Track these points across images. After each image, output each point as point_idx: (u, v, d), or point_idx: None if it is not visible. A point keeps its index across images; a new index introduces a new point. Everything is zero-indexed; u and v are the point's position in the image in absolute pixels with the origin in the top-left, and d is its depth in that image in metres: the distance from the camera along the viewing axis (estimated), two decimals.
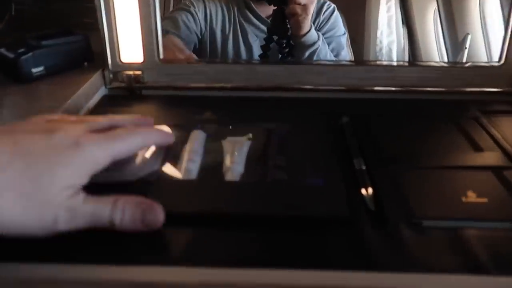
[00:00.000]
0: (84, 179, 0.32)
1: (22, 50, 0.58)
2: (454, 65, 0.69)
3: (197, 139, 0.45)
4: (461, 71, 0.61)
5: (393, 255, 0.33)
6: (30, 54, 0.58)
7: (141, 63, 0.58)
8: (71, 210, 0.30)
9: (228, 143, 0.45)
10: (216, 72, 0.58)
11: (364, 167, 0.43)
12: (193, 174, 0.40)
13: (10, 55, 0.57)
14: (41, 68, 0.59)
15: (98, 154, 0.32)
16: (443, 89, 0.60)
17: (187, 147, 0.44)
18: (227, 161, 0.42)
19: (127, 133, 0.35)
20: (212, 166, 0.42)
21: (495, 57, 0.61)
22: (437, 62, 0.77)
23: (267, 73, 0.59)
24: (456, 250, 0.33)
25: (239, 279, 0.30)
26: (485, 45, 0.77)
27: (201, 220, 0.36)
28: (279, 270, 0.31)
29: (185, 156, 0.42)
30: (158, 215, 0.32)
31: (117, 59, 0.58)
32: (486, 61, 0.74)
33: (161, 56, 0.58)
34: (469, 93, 0.60)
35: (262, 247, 0.33)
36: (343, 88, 0.60)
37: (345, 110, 0.54)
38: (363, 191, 0.40)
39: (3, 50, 0.59)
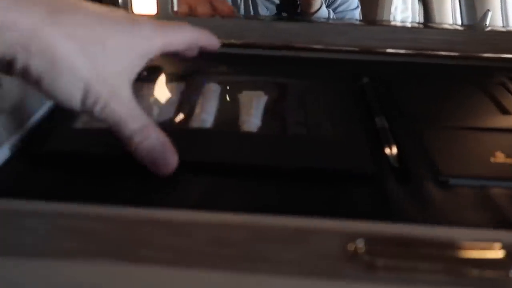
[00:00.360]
0: (137, 61, 0.30)
1: None
2: (480, 29, 0.65)
3: (212, 91, 0.43)
4: (488, 35, 0.58)
5: (418, 210, 0.32)
6: None
7: (154, 15, 0.56)
8: (111, 95, 0.29)
9: (244, 96, 0.43)
10: (233, 27, 0.56)
11: (386, 125, 0.41)
12: (208, 125, 0.39)
13: None
14: None
15: (153, 36, 0.30)
16: (468, 54, 0.57)
17: (202, 99, 0.42)
18: (243, 114, 0.40)
19: (178, 25, 0.33)
20: (228, 118, 0.40)
21: None
22: (463, 25, 0.73)
23: (284, 31, 0.56)
24: (483, 207, 0.32)
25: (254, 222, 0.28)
26: (503, 22, 0.74)
27: (217, 171, 0.34)
28: (298, 217, 0.29)
29: (200, 106, 0.41)
30: (173, 162, 0.31)
31: (129, 10, 0.55)
32: None
33: (175, 9, 0.56)
34: (496, 59, 0.57)
35: (281, 198, 0.32)
36: (362, 49, 0.57)
37: (364, 72, 0.52)
38: (387, 149, 0.38)
39: None
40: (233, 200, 0.31)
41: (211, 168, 0.34)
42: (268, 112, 0.41)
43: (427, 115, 0.44)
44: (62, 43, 0.26)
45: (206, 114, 0.40)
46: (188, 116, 0.40)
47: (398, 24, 0.67)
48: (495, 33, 0.59)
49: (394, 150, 0.38)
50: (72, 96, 0.28)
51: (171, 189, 0.32)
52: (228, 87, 0.45)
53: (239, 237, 0.26)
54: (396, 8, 0.79)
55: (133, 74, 0.30)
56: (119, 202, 0.29)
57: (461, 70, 0.56)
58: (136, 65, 0.30)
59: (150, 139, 0.30)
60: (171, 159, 0.31)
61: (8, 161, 0.35)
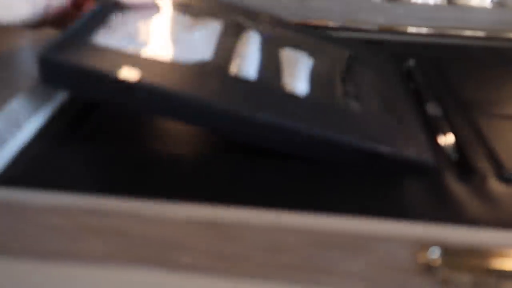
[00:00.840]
0: None
1: None
2: None
3: (252, 38, 0.38)
4: None
5: (483, 211, 0.28)
6: None
7: None
8: None
9: (287, 54, 0.38)
10: (263, 4, 0.51)
11: (440, 113, 0.37)
12: (250, 74, 0.33)
13: None
14: None
15: None
16: None
17: (241, 45, 0.36)
18: (286, 73, 0.35)
19: None
20: (270, 72, 0.34)
21: None
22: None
23: (321, 8, 0.52)
24: None
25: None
26: None
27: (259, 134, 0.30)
28: (352, 218, 0.26)
29: (239, 54, 0.35)
30: None
31: None
32: None
33: None
34: None
35: (336, 193, 0.29)
36: (401, 29, 0.53)
37: (406, 54, 0.47)
38: (442, 139, 0.34)
39: None
40: (283, 195, 0.28)
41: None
42: (314, 77, 0.35)
43: (483, 102, 0.40)
44: None
45: (247, 61, 0.34)
46: (228, 59, 0.34)
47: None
48: None
49: (451, 140, 0.34)
50: None
51: (213, 181, 0.28)
52: (269, 38, 0.39)
53: (295, 243, 0.22)
54: None
55: None
56: (154, 197, 0.25)
57: None
58: None
59: None
60: None
61: (29, 144, 0.32)
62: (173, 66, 0.31)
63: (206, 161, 0.31)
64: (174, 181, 0.29)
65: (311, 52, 0.38)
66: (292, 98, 0.32)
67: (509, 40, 0.53)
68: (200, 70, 0.31)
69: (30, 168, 0.30)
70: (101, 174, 0.29)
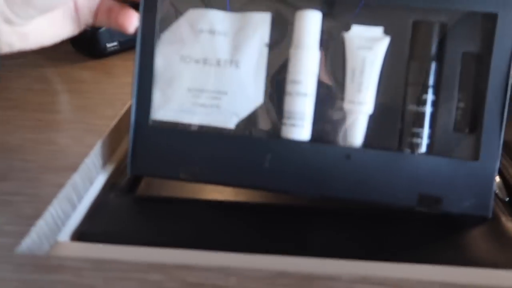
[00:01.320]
0: None
1: None
2: None
3: (309, 23, 0.32)
4: None
5: None
6: (105, 28, 0.55)
7: None
8: None
9: (353, 40, 0.32)
10: None
11: None
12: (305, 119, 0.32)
13: (88, 29, 0.54)
14: (115, 43, 0.56)
15: None
16: None
17: (294, 59, 0.32)
18: (349, 84, 0.32)
19: None
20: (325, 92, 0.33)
21: None
22: None
23: None
24: None
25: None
26: None
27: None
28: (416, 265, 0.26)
29: (292, 75, 0.32)
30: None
31: None
32: None
33: None
34: None
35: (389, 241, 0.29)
36: None
37: None
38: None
39: None
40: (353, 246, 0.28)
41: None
42: (386, 76, 0.32)
43: None
44: None
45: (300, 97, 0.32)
46: (279, 101, 0.33)
47: None
48: None
49: (499, 180, 0.34)
50: None
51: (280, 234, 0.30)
52: (332, 18, 0.32)
53: None
54: None
55: None
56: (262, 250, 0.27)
57: None
58: None
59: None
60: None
61: (101, 199, 0.34)
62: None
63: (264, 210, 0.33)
64: (255, 231, 0.30)
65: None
66: (348, 165, 0.32)
67: None
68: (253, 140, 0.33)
69: (109, 224, 0.31)
70: (178, 227, 0.30)
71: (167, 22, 0.33)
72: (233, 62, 0.32)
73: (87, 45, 0.56)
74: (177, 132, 0.33)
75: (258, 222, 0.32)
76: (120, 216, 0.33)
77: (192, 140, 0.33)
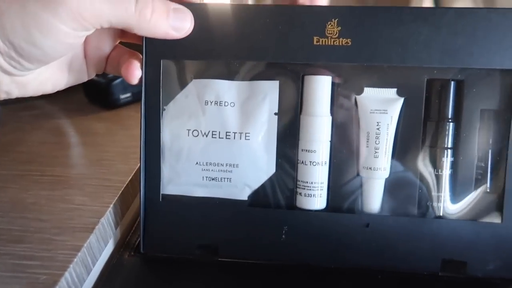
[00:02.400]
0: None
1: (111, 75, 0.56)
2: None
3: (320, 89, 0.31)
4: None
5: None
6: (119, 79, 0.56)
7: None
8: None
9: (366, 103, 0.31)
10: None
11: None
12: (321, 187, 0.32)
13: (102, 80, 0.55)
14: (128, 94, 0.57)
15: None
16: None
17: (305, 124, 0.31)
18: (363, 149, 0.31)
19: None
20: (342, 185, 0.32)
21: None
22: None
23: None
24: None
25: None
26: None
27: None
28: None
29: (304, 140, 0.32)
30: (189, 14, 0.30)
31: None
32: None
33: None
34: None
35: None
36: None
37: None
38: None
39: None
40: None
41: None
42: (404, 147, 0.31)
43: None
44: None
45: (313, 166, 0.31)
46: (291, 171, 0.32)
47: None
48: None
49: None
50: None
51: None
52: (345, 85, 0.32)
53: None
54: None
55: None
56: None
57: None
58: None
59: (154, 15, 0.28)
60: (186, 13, 0.29)
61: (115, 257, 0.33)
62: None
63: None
64: None
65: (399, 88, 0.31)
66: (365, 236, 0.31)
67: None
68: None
69: (122, 286, 0.30)
70: None
71: (171, 93, 0.32)
72: (243, 133, 0.32)
73: (100, 96, 0.57)
74: (189, 207, 0.33)
75: (275, 283, 0.31)
76: (133, 277, 0.32)
77: (206, 215, 0.32)
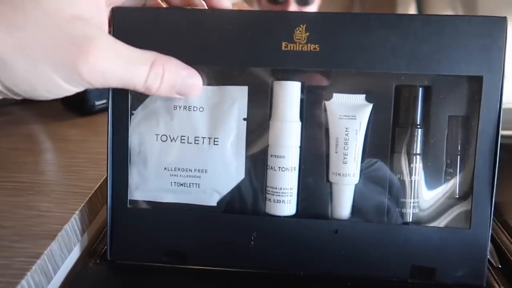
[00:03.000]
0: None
1: None
2: None
3: (289, 94, 0.31)
4: None
5: None
6: None
7: None
8: (93, 67, 0.25)
9: (335, 109, 0.31)
10: None
11: None
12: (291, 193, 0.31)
13: None
14: (104, 101, 0.57)
15: None
16: None
17: (274, 127, 0.31)
18: (333, 155, 0.31)
19: None
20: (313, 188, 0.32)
21: None
22: None
23: None
24: None
25: None
26: None
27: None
28: None
29: (274, 142, 0.31)
30: (198, 82, 0.30)
31: None
32: None
33: None
34: None
35: None
36: None
37: None
38: None
39: None
40: None
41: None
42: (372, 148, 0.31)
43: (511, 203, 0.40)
44: None
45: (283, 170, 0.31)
46: (261, 177, 0.32)
47: None
48: None
49: (491, 247, 0.34)
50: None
51: None
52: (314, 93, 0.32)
53: None
54: None
55: (98, 13, 0.26)
56: None
57: None
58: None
59: (167, 74, 0.27)
60: (196, 82, 0.30)
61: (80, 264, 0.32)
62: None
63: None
64: None
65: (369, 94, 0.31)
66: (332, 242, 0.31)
67: None
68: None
69: None
70: None
71: (140, 98, 0.32)
72: (212, 138, 0.31)
73: (76, 102, 0.56)
74: (157, 213, 0.32)
75: None
76: (99, 285, 0.31)
77: (174, 221, 0.32)
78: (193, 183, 0.32)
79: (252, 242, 0.31)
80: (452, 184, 0.32)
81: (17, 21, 0.24)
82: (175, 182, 0.32)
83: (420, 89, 0.31)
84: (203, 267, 0.32)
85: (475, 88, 0.30)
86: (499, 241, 0.36)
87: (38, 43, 0.24)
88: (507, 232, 0.37)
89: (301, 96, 0.32)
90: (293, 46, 0.30)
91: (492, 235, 0.36)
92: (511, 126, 0.54)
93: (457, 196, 0.32)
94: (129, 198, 0.32)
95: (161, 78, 0.27)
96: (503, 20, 0.29)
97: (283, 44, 0.30)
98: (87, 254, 0.34)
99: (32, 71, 0.24)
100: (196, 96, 0.31)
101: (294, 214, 0.32)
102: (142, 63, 0.27)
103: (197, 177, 0.32)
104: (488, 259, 0.33)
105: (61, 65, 0.25)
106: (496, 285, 0.31)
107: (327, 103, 0.32)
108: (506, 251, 0.34)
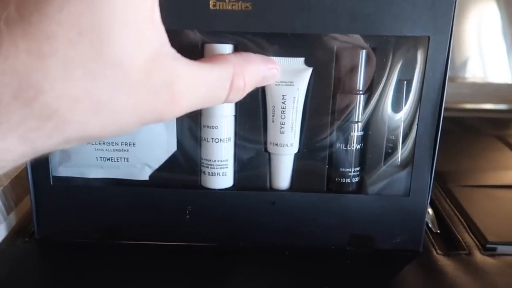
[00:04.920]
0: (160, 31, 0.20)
1: None
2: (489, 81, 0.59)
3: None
4: (495, 87, 0.53)
5: (471, 286, 0.27)
6: None
7: None
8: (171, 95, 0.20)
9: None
10: None
11: None
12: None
13: None
14: None
15: None
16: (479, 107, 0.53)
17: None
18: (270, 124, 0.30)
19: None
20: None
21: None
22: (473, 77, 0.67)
23: None
24: None
25: None
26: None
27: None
28: None
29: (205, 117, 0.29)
30: (277, 71, 0.27)
31: None
32: None
33: None
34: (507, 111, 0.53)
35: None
36: None
37: None
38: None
39: None
40: None
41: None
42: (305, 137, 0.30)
43: (456, 172, 0.40)
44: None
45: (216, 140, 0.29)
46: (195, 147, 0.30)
47: None
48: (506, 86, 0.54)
49: (431, 212, 0.34)
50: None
51: None
52: None
53: None
54: None
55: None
56: None
57: (478, 121, 0.53)
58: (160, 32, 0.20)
59: (248, 83, 0.24)
60: (274, 72, 0.27)
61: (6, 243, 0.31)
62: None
63: None
64: None
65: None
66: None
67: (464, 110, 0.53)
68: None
69: (10, 273, 0.28)
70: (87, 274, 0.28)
71: None
72: None
73: None
74: (84, 189, 0.30)
75: (179, 264, 0.29)
76: (25, 263, 0.30)
77: (103, 197, 0.30)
78: (121, 157, 0.30)
79: (187, 216, 0.30)
80: (394, 152, 0.31)
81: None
82: (101, 157, 0.30)
83: (363, 52, 0.29)
84: (136, 242, 0.31)
85: (421, 50, 0.28)
86: (440, 207, 0.36)
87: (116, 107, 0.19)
88: (449, 199, 0.37)
89: None
90: (223, 5, 0.27)
91: (434, 202, 0.36)
92: (469, 100, 0.54)
93: (399, 164, 0.31)
94: (53, 174, 0.30)
95: (243, 90, 0.24)
96: None
97: (211, 2, 0.27)
98: (15, 233, 0.32)
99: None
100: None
101: (231, 187, 0.31)
102: (222, 84, 0.23)
103: (125, 150, 0.30)
104: (428, 225, 0.33)
105: (146, 120, 0.21)
106: (433, 250, 0.31)
107: None
108: (446, 217, 0.35)
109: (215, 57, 0.24)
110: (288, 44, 0.28)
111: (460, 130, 0.51)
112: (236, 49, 0.29)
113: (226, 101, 0.24)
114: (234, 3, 0.27)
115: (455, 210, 0.36)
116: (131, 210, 0.30)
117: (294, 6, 0.26)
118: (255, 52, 0.28)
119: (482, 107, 0.54)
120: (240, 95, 0.25)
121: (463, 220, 0.34)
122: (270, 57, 0.28)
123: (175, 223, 0.30)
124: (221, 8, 0.27)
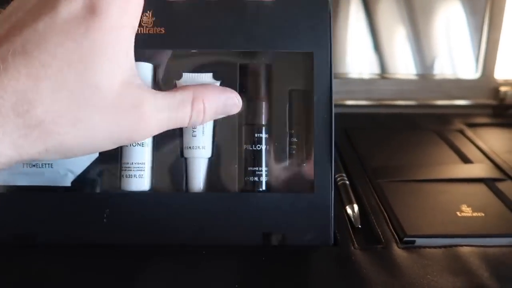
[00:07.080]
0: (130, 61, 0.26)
1: None
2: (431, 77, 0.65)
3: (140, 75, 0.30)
4: (437, 83, 0.59)
5: (385, 279, 0.29)
6: None
7: None
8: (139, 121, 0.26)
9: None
10: None
11: (347, 182, 0.40)
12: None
13: None
14: None
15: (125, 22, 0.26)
16: (421, 103, 0.58)
17: None
18: (184, 130, 0.33)
19: None
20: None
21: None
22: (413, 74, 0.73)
23: None
24: (454, 270, 0.29)
25: None
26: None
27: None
28: None
29: None
30: (238, 101, 0.31)
31: None
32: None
33: None
34: (449, 106, 0.58)
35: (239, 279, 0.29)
36: None
37: None
38: (347, 207, 0.36)
39: None
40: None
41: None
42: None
43: (388, 168, 0.43)
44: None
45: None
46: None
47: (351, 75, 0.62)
48: (444, 81, 0.59)
49: (356, 208, 0.36)
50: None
51: None
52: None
53: None
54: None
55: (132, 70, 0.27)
56: None
57: (418, 117, 0.56)
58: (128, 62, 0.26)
59: (208, 108, 0.29)
60: (235, 101, 0.31)
61: None
62: None
63: None
64: None
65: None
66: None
67: (404, 106, 0.58)
68: None
69: None
70: None
71: None
72: None
73: None
74: (10, 197, 0.32)
75: (89, 263, 0.30)
76: None
77: (27, 204, 0.32)
78: (45, 164, 0.32)
79: (104, 220, 0.32)
80: (298, 152, 0.34)
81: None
82: (27, 164, 0.32)
83: (262, 66, 0.34)
84: (54, 245, 0.31)
85: (309, 63, 0.33)
86: (366, 203, 0.38)
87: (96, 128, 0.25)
88: (377, 194, 0.39)
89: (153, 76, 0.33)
90: (140, 30, 0.32)
91: (361, 198, 0.38)
92: (409, 96, 0.58)
93: (304, 164, 0.34)
94: None
95: (203, 113, 0.29)
96: (326, 1, 0.32)
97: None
98: None
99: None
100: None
101: (149, 190, 0.33)
102: (184, 106, 0.28)
103: None
104: (351, 220, 0.35)
105: (118, 139, 0.26)
106: (351, 245, 0.32)
107: (177, 82, 0.34)
108: (370, 212, 0.36)
109: (178, 87, 0.30)
110: (199, 61, 0.34)
111: (400, 126, 0.53)
112: (155, 69, 0.33)
113: (191, 122, 0.29)
114: (150, 28, 0.32)
115: (380, 205, 0.37)
116: (50, 216, 0.32)
117: (200, 29, 0.32)
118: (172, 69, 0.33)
119: (424, 103, 0.57)
120: (202, 118, 0.29)
121: (386, 215, 0.36)
122: (230, 88, 0.32)
123: (93, 226, 0.32)
124: (139, 33, 0.31)
